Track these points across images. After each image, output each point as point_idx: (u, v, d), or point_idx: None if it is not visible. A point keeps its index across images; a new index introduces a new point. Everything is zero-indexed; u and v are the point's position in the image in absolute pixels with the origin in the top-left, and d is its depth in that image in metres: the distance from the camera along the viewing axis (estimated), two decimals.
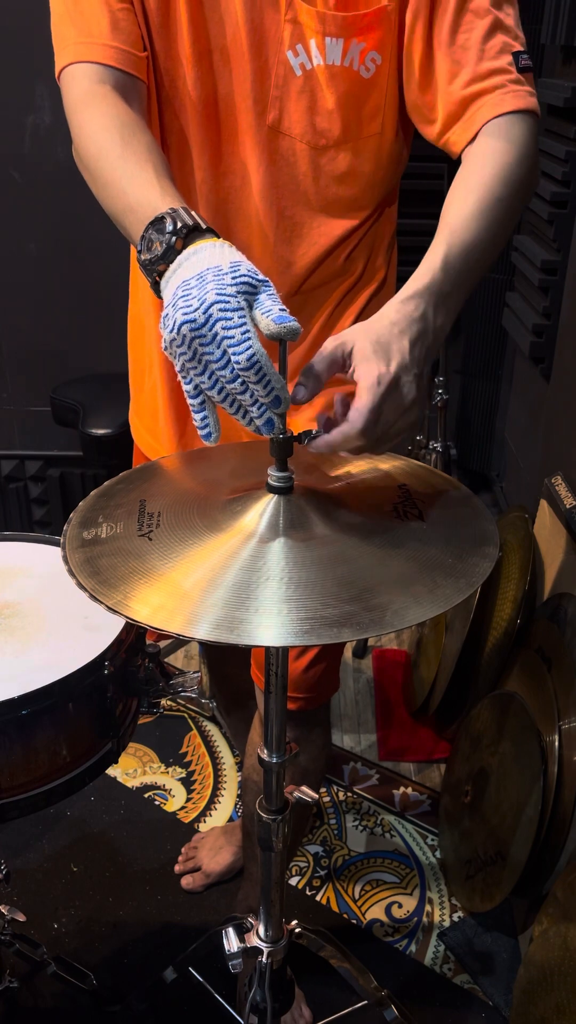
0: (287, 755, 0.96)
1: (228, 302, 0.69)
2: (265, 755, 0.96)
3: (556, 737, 1.42)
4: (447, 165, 2.26)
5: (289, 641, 0.67)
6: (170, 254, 0.76)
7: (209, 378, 0.71)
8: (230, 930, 1.09)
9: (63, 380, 2.23)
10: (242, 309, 0.69)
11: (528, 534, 1.82)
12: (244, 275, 0.70)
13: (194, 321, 0.68)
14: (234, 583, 0.73)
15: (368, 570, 0.75)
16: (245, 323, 0.68)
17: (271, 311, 0.69)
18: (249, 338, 0.68)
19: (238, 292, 0.69)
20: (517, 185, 0.93)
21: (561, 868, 1.37)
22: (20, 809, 0.94)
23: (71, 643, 0.99)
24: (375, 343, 0.77)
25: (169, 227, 0.76)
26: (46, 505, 2.69)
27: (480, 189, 0.91)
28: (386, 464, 0.94)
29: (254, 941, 1.10)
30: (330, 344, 0.79)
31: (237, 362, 0.68)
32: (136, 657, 1.03)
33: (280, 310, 0.70)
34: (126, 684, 1.02)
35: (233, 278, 0.70)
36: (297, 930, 1.16)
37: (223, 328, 0.68)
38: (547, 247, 1.94)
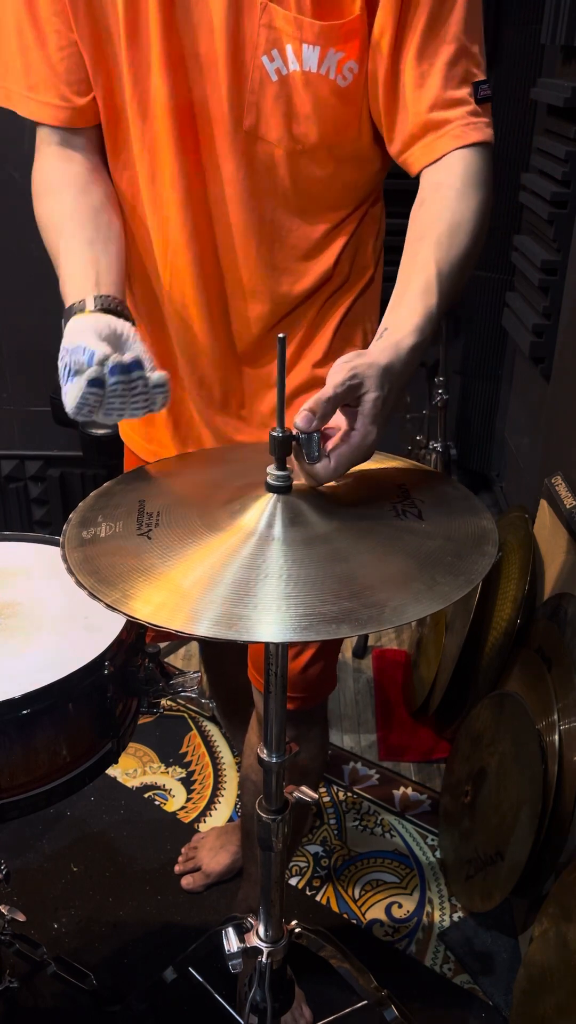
0: (287, 755, 0.96)
1: (64, 391, 0.86)
2: (264, 755, 0.96)
3: (556, 737, 1.42)
4: None
5: (289, 637, 0.68)
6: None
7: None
8: (230, 930, 1.09)
9: None
10: (67, 392, 0.85)
11: (528, 534, 1.82)
12: (68, 363, 0.86)
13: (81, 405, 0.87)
14: (233, 581, 0.73)
15: (367, 567, 0.75)
16: (69, 395, 0.85)
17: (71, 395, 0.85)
18: (74, 401, 0.85)
19: (68, 376, 0.85)
20: (483, 220, 1.00)
21: (561, 868, 1.37)
22: (20, 809, 0.94)
23: (71, 643, 0.99)
24: (384, 400, 0.82)
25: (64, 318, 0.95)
26: (46, 505, 2.69)
27: (460, 234, 0.97)
28: (385, 464, 0.94)
29: (254, 941, 1.10)
30: (346, 376, 0.80)
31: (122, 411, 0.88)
32: (136, 657, 1.03)
33: (84, 406, 0.85)
34: (126, 684, 1.02)
35: (64, 366, 0.87)
36: (297, 930, 1.16)
37: (70, 409, 0.87)
38: (547, 247, 1.94)
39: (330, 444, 0.81)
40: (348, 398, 0.81)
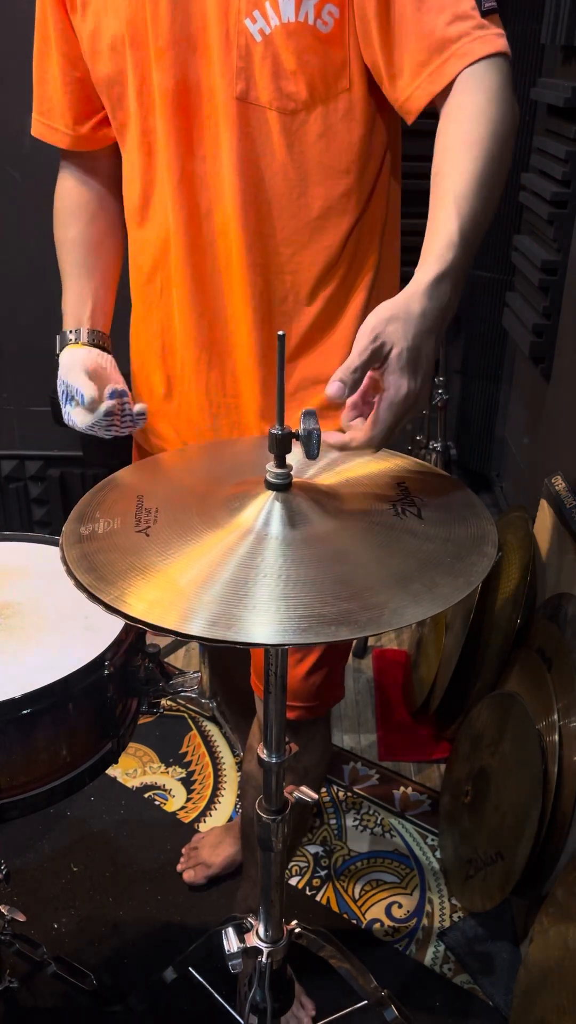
0: (286, 755, 0.96)
1: (64, 411, 1.11)
2: (264, 755, 0.96)
3: (556, 737, 1.42)
4: None
5: (285, 639, 0.67)
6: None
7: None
8: (230, 930, 1.09)
9: None
10: (67, 412, 1.10)
11: (528, 534, 1.82)
12: (64, 390, 1.10)
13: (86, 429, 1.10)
14: (230, 580, 0.72)
15: (366, 568, 0.74)
16: (68, 416, 1.10)
17: (71, 419, 1.10)
18: (71, 421, 1.10)
19: (65, 400, 1.10)
20: (505, 138, 0.94)
21: (561, 868, 1.37)
22: (20, 809, 0.94)
23: (71, 643, 0.99)
24: (410, 350, 0.83)
25: (57, 349, 1.17)
26: (46, 505, 2.69)
27: (475, 150, 0.92)
28: (386, 462, 0.94)
29: (254, 941, 1.10)
30: (368, 341, 0.81)
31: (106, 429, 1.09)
32: (136, 657, 1.03)
33: (78, 426, 1.09)
34: (126, 684, 1.02)
35: (61, 391, 1.11)
36: (297, 930, 1.16)
37: (66, 420, 1.11)
38: (547, 247, 1.94)
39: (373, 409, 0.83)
40: (375, 361, 0.82)
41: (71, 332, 1.17)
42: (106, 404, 1.04)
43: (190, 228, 1.09)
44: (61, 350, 1.16)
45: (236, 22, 0.98)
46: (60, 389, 1.11)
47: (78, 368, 1.10)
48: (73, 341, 1.16)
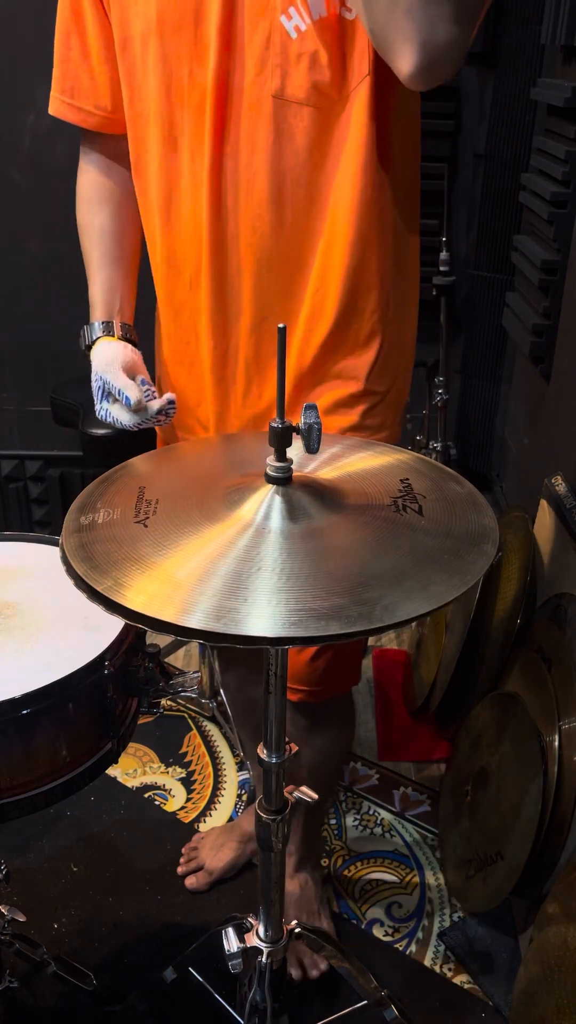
0: (286, 755, 0.96)
1: (97, 406, 1.15)
2: (264, 755, 0.96)
3: (556, 737, 1.42)
4: (446, 165, 2.27)
5: (277, 632, 0.67)
6: (86, 354, 1.21)
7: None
8: (230, 930, 1.09)
9: (63, 380, 2.23)
10: (104, 408, 1.14)
11: (528, 534, 1.82)
12: (101, 386, 1.13)
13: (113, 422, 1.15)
14: (227, 573, 0.72)
15: (362, 563, 0.74)
16: (107, 413, 1.13)
17: (112, 415, 1.14)
18: (110, 418, 1.13)
19: (101, 397, 1.14)
20: None
21: (561, 868, 1.37)
22: (20, 809, 0.94)
23: (71, 643, 0.99)
24: None
25: (84, 339, 1.20)
26: (46, 505, 2.69)
27: None
28: (390, 457, 0.93)
29: (254, 941, 1.10)
30: None
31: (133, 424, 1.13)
32: (136, 657, 1.03)
33: (119, 422, 1.12)
34: (126, 684, 1.02)
35: (98, 387, 1.14)
36: (297, 930, 1.16)
37: (101, 415, 1.14)
38: (547, 247, 1.94)
39: None
40: None
41: (101, 324, 1.18)
42: (159, 403, 1.10)
43: (216, 223, 1.10)
44: (93, 341, 1.17)
45: (272, 19, 0.99)
46: (96, 384, 1.13)
47: (117, 365, 1.12)
48: (105, 334, 1.17)
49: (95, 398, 1.14)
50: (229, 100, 1.05)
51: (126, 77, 1.11)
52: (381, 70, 1.02)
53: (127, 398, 1.09)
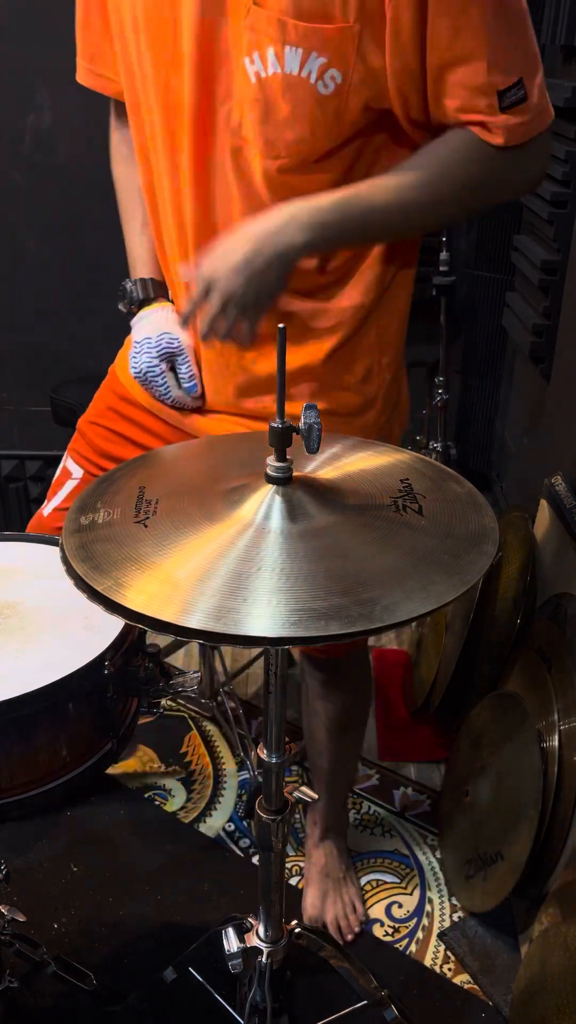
0: (286, 756, 0.96)
1: (153, 370, 1.19)
2: (264, 755, 0.96)
3: (556, 737, 1.42)
4: None
5: (276, 632, 0.67)
6: (130, 315, 1.24)
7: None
8: (230, 930, 1.09)
9: (63, 380, 2.23)
10: (163, 373, 1.19)
11: (528, 534, 1.82)
12: (165, 347, 1.17)
13: (138, 377, 1.21)
14: (227, 573, 0.72)
15: (362, 564, 0.74)
16: (166, 382, 1.19)
17: (183, 378, 1.19)
18: (168, 390, 1.20)
19: (160, 359, 1.17)
20: (460, 193, 1.02)
21: (561, 868, 1.37)
22: (20, 809, 0.94)
23: (71, 643, 0.99)
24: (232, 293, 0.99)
25: (130, 295, 1.23)
26: None
27: (429, 171, 1.00)
28: (390, 457, 0.93)
29: (254, 941, 1.10)
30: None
31: (162, 397, 1.21)
32: (136, 657, 1.03)
33: (190, 378, 1.18)
34: (126, 684, 1.02)
35: (159, 350, 1.17)
36: (297, 930, 1.16)
37: (153, 385, 1.21)
38: (547, 247, 1.94)
39: None
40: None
41: (155, 282, 1.22)
42: (192, 401, 1.18)
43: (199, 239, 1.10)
44: (152, 298, 1.21)
45: (237, 57, 0.97)
46: (159, 342, 1.16)
47: (172, 322, 1.18)
48: (156, 295, 1.21)
49: (149, 351, 1.15)
50: (198, 120, 1.03)
51: (123, 63, 1.10)
52: (359, 148, 1.03)
53: (192, 387, 1.16)
